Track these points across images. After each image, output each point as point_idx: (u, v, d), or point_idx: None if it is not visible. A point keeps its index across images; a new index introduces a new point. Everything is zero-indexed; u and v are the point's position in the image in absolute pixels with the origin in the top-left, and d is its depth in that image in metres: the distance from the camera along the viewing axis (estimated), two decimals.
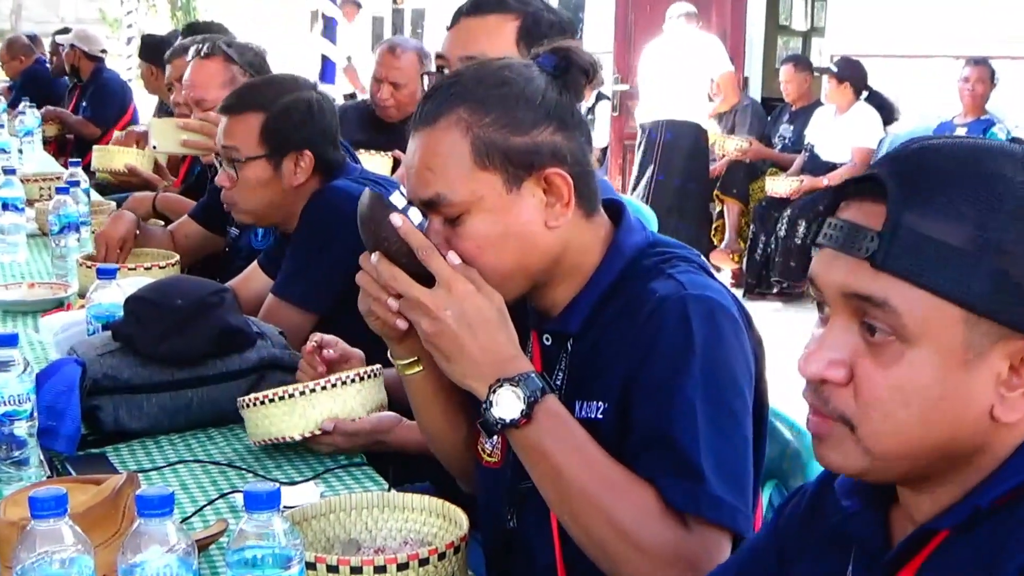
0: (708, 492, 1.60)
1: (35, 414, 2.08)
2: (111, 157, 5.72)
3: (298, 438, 2.23)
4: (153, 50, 6.45)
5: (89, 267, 3.44)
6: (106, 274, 2.66)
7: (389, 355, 1.93)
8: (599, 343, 1.76)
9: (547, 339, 1.84)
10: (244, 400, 2.28)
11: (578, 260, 1.79)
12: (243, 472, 2.22)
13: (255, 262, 3.20)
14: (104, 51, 8.67)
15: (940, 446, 1.14)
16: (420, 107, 1.77)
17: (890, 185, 1.12)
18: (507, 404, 1.64)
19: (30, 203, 4.46)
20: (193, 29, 5.62)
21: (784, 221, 8.31)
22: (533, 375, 1.66)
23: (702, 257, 1.84)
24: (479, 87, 1.75)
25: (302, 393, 2.23)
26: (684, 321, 1.66)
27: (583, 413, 1.74)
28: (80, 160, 7.94)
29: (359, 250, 2.85)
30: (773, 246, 8.38)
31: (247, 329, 2.49)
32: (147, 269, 3.44)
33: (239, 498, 2.05)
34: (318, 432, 2.23)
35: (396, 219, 1.72)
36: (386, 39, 6.31)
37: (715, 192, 9.02)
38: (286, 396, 2.23)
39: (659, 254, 1.79)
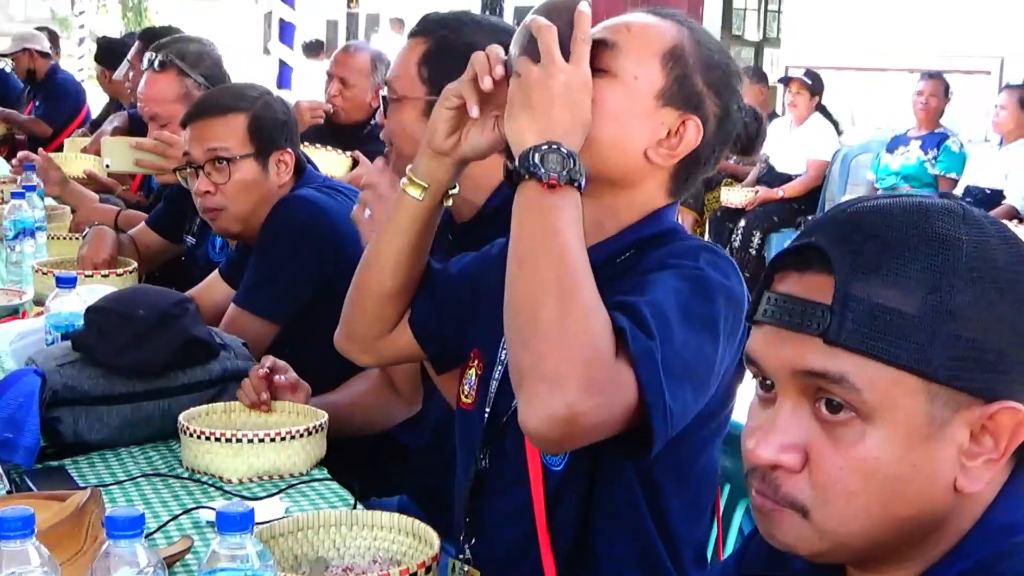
0: (654, 350, 1.52)
1: None
2: (68, 163, 5.65)
3: (235, 481, 2.20)
4: (109, 53, 6.39)
5: (46, 274, 3.39)
6: (65, 283, 2.62)
7: (408, 170, 1.87)
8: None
9: None
10: (187, 428, 2.24)
11: (634, 204, 1.79)
12: (206, 487, 2.18)
13: (216, 271, 3.16)
14: (54, 47, 8.60)
15: (903, 525, 1.08)
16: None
17: (833, 254, 1.06)
18: (549, 162, 1.58)
19: None
20: (150, 34, 5.54)
21: (739, 232, 8.34)
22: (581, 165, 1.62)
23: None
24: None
25: (250, 441, 2.20)
26: (694, 256, 1.66)
27: None
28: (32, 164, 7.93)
29: (323, 261, 2.85)
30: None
31: (210, 340, 2.46)
32: (105, 276, 3.40)
33: (203, 514, 2.02)
34: (256, 479, 2.21)
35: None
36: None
37: None
38: (233, 440, 2.20)
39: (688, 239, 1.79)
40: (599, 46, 1.71)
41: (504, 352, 1.82)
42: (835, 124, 8.59)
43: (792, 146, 8.47)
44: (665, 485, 1.75)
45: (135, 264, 3.57)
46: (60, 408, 2.31)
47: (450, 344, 1.99)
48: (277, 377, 2.36)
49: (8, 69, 8.75)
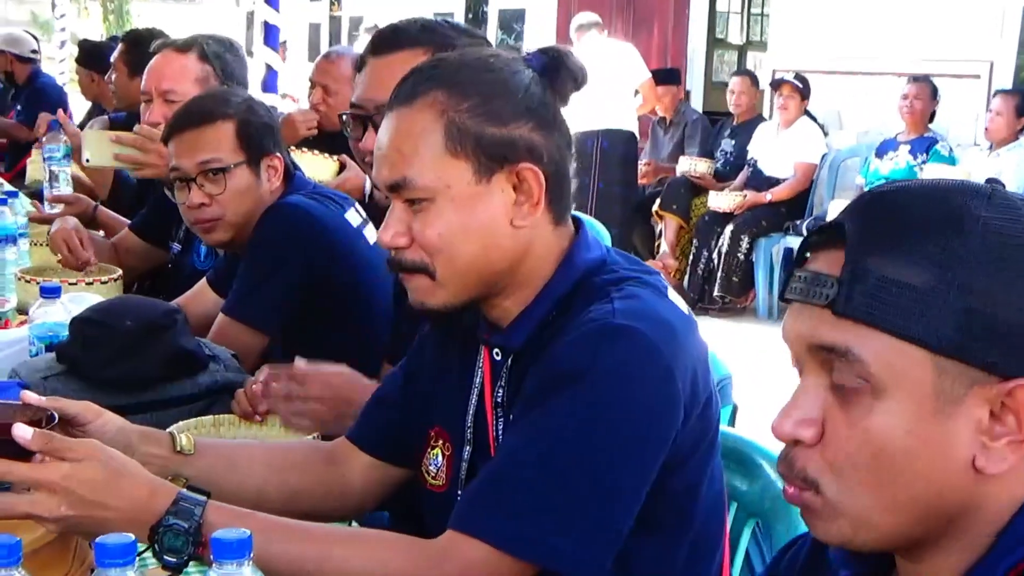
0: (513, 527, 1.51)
1: None
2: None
3: None
4: (91, 55, 6.32)
5: (28, 281, 3.32)
6: (50, 292, 2.55)
7: None
8: (535, 361, 1.66)
9: (496, 353, 1.75)
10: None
11: (534, 269, 1.70)
12: None
13: (203, 279, 3.09)
14: (36, 51, 8.51)
15: (920, 504, 1.06)
16: (398, 87, 1.71)
17: (849, 229, 1.08)
18: (173, 546, 1.50)
19: None
20: (134, 36, 5.46)
21: (727, 236, 8.30)
22: (180, 499, 1.53)
23: (659, 277, 1.75)
24: (461, 71, 1.68)
25: None
26: (592, 347, 1.57)
27: None
28: (13, 166, 7.86)
29: (314, 269, 2.79)
30: (715, 261, 8.37)
31: (199, 352, 2.40)
32: (89, 284, 3.33)
33: None
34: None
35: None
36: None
37: (655, 209, 9.00)
38: None
39: (612, 272, 1.70)
40: (393, 189, 1.66)
41: (471, 431, 1.77)
42: (821, 127, 8.57)
43: (779, 149, 8.44)
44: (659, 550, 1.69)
45: (119, 272, 3.49)
46: None
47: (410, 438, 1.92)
48: (273, 385, 2.29)
49: None
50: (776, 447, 1.95)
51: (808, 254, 1.14)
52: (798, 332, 1.11)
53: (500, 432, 1.71)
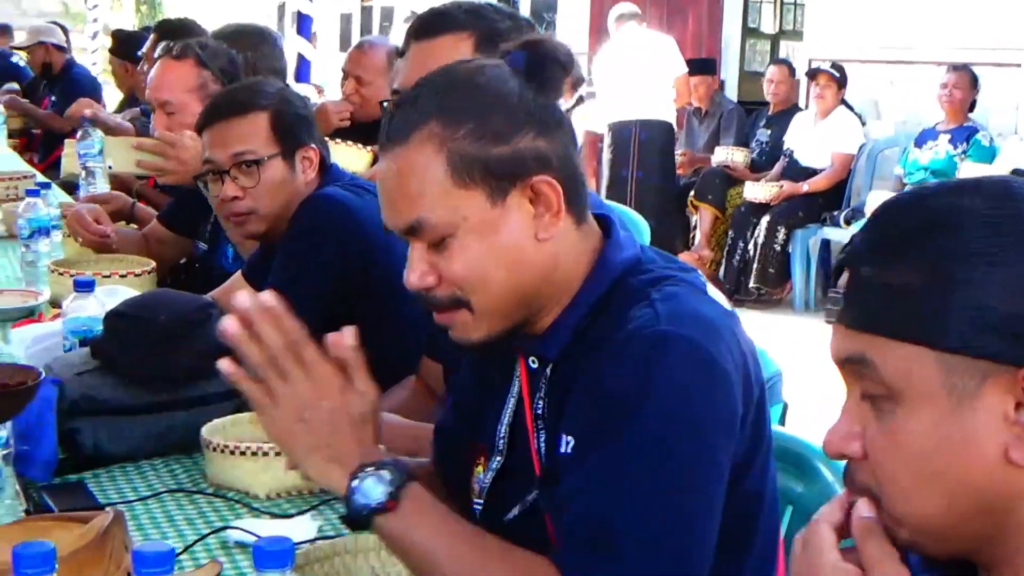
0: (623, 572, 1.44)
1: (10, 440, 1.93)
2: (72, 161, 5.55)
3: (263, 497, 2.09)
4: (124, 46, 6.29)
5: (62, 274, 3.29)
6: (83, 286, 2.51)
7: None
8: (577, 371, 1.58)
9: (533, 362, 1.68)
10: (210, 442, 2.13)
11: (567, 277, 1.62)
12: (233, 503, 2.07)
13: (239, 272, 3.04)
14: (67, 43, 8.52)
15: (965, 505, 1.07)
16: (387, 124, 1.61)
17: (855, 242, 1.12)
18: (371, 489, 1.51)
19: None
20: (166, 26, 5.43)
21: (763, 227, 8.22)
22: (397, 461, 1.55)
23: (697, 274, 1.67)
24: (449, 96, 1.59)
25: (277, 454, 2.06)
26: (644, 364, 1.48)
27: (562, 448, 1.57)
28: (47, 156, 7.86)
29: (351, 262, 2.73)
30: (751, 252, 8.29)
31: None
32: (123, 277, 3.29)
33: (232, 533, 1.91)
34: (285, 494, 2.09)
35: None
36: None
37: (690, 199, 8.93)
38: (259, 454, 2.09)
39: (648, 271, 1.62)
40: (409, 233, 1.58)
41: (504, 441, 1.71)
42: (858, 117, 8.47)
43: (816, 139, 8.34)
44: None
45: (153, 264, 3.46)
46: (79, 419, 2.21)
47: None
48: None
49: (22, 63, 8.65)
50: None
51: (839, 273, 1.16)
52: (832, 350, 1.14)
53: (542, 446, 1.64)
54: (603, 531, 1.46)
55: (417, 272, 1.60)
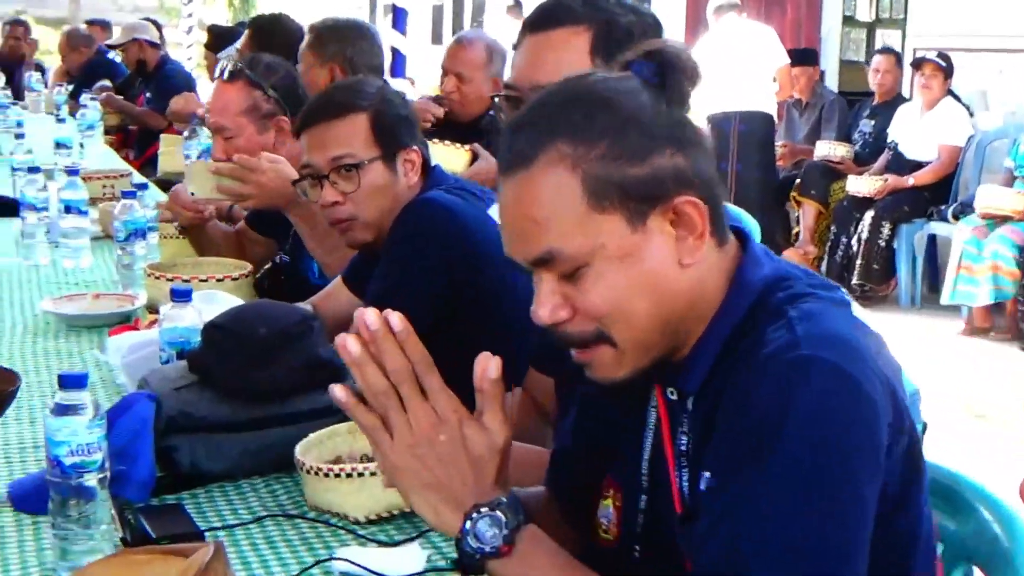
0: None
1: (106, 464, 1.84)
2: (168, 159, 5.54)
3: (363, 520, 1.98)
4: (220, 41, 6.26)
5: (157, 278, 3.22)
6: (181, 296, 2.42)
7: None
8: (717, 404, 1.45)
9: (671, 393, 1.54)
10: (304, 464, 2.02)
11: (707, 301, 1.49)
12: (336, 529, 1.96)
13: (339, 278, 2.94)
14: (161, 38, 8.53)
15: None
16: (507, 145, 1.48)
17: None
18: (485, 532, 1.41)
19: (92, 202, 4.24)
20: (259, 22, 5.37)
21: (867, 222, 8.00)
22: (512, 500, 1.44)
23: (840, 292, 1.52)
24: (576, 111, 1.44)
25: (372, 474, 1.95)
26: (784, 391, 1.35)
27: (702, 486, 1.44)
28: (143, 153, 7.87)
29: (456, 269, 2.62)
30: (855, 248, 8.07)
31: (336, 361, 2.23)
32: (219, 281, 3.21)
33: (338, 564, 1.80)
34: (385, 515, 1.98)
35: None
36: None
37: (792, 194, 8.72)
38: (355, 474, 1.97)
39: (787, 288, 1.48)
40: (539, 264, 1.45)
41: (646, 478, 1.57)
42: (966, 108, 8.21)
43: (922, 131, 8.10)
44: None
45: (249, 267, 3.38)
46: (176, 436, 2.11)
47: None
48: None
49: (119, 59, 8.67)
50: (987, 482, 1.75)
51: None
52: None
53: (685, 485, 1.50)
54: (740, 567, 1.33)
55: (548, 306, 1.47)
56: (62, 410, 1.80)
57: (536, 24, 2.09)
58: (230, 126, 3.42)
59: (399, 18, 6.13)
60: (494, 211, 2.68)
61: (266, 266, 3.72)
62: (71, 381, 1.79)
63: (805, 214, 8.64)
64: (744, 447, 1.36)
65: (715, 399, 1.45)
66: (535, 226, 1.43)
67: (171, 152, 5.90)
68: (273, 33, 5.07)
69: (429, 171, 2.75)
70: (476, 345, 2.62)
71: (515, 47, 2.13)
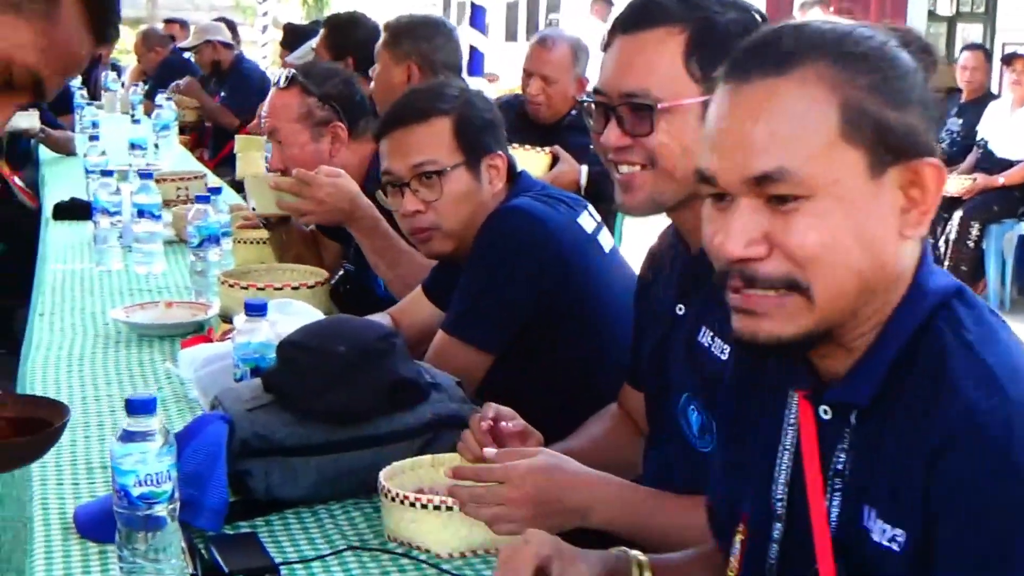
0: None
1: (175, 494, 1.72)
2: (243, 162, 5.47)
3: (446, 557, 1.85)
4: (296, 39, 6.17)
5: (231, 286, 3.11)
6: (255, 311, 2.30)
7: None
8: (892, 426, 1.30)
9: (825, 412, 1.37)
10: (389, 492, 1.89)
11: (887, 297, 1.33)
12: (420, 564, 1.83)
13: (419, 289, 2.82)
14: (234, 36, 8.48)
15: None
16: (754, 48, 1.35)
17: None
18: None
19: (166, 204, 4.16)
20: (335, 21, 5.26)
21: (955, 222, 7.77)
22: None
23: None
24: (844, 40, 1.32)
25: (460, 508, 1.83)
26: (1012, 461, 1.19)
27: (869, 524, 1.29)
28: (217, 153, 7.82)
29: (544, 281, 2.48)
30: (943, 249, 7.85)
31: (420, 380, 2.12)
32: (295, 289, 3.10)
33: None
34: (468, 553, 1.85)
35: None
36: (539, 31, 5.94)
37: None
38: (443, 507, 1.84)
39: (967, 305, 1.32)
40: (758, 182, 1.28)
41: (783, 504, 1.41)
42: None
43: (1013, 129, 7.86)
44: None
45: (325, 274, 3.26)
46: (250, 460, 2.00)
47: None
48: (503, 424, 1.99)
49: (195, 60, 8.63)
50: None
51: None
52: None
53: (834, 510, 1.34)
54: None
55: (743, 237, 1.29)
56: (129, 437, 1.69)
57: (626, 24, 1.92)
58: (283, 131, 3.32)
59: (477, 16, 6.00)
60: (584, 219, 2.55)
61: (339, 272, 3.62)
62: (139, 406, 1.68)
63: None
64: (982, 539, 1.20)
65: (886, 415, 1.31)
66: (771, 139, 1.28)
67: (249, 155, 5.84)
68: (348, 32, 4.97)
69: (515, 177, 2.61)
70: (562, 359, 2.51)
71: (604, 48, 1.97)
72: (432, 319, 2.73)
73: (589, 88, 2.08)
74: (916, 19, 10.36)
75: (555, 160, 4.41)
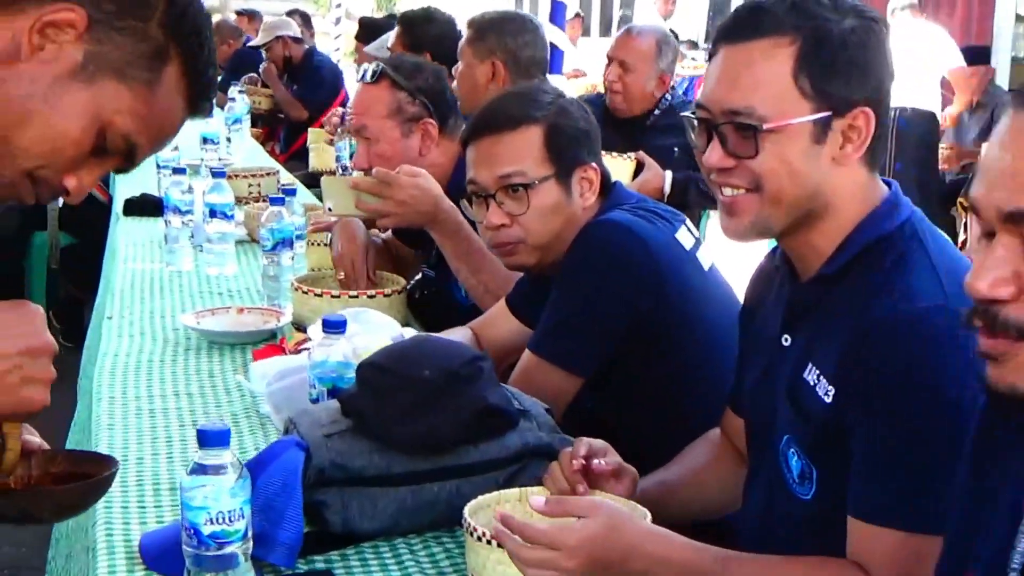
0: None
1: (248, 532, 1.60)
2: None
3: None
4: (372, 33, 6.06)
5: (305, 293, 2.99)
6: (333, 327, 2.16)
7: None
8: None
9: None
10: (473, 528, 1.73)
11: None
12: None
13: (502, 302, 2.68)
14: (307, 29, 8.40)
15: None
16: None
17: None
18: None
19: (238, 201, 4.04)
20: (409, 17, 5.11)
21: None
22: None
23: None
24: None
25: None
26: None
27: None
28: (289, 146, 7.74)
29: (642, 301, 2.33)
30: None
31: (508, 407, 1.97)
32: (371, 298, 2.97)
33: None
34: None
35: None
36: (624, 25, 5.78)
37: (959, 199, 8.25)
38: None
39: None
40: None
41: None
42: None
43: None
44: None
45: (403, 283, 3.13)
46: (326, 490, 1.87)
47: None
48: (596, 462, 1.84)
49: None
50: None
51: None
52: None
53: None
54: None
55: (990, 275, 1.16)
56: (200, 470, 1.57)
57: (731, 33, 1.74)
58: (372, 127, 3.18)
59: (557, 12, 5.84)
60: (683, 235, 2.40)
61: (416, 277, 3.49)
62: (212, 438, 1.56)
63: (973, 221, 8.17)
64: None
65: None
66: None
67: (322, 147, 5.75)
68: (423, 28, 4.82)
69: (609, 189, 2.46)
70: (657, 382, 2.35)
71: (709, 58, 1.81)
72: (515, 335, 2.59)
73: (692, 97, 1.93)
74: (1004, 21, 10.09)
75: (639, 166, 4.25)
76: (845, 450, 1.63)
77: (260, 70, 8.08)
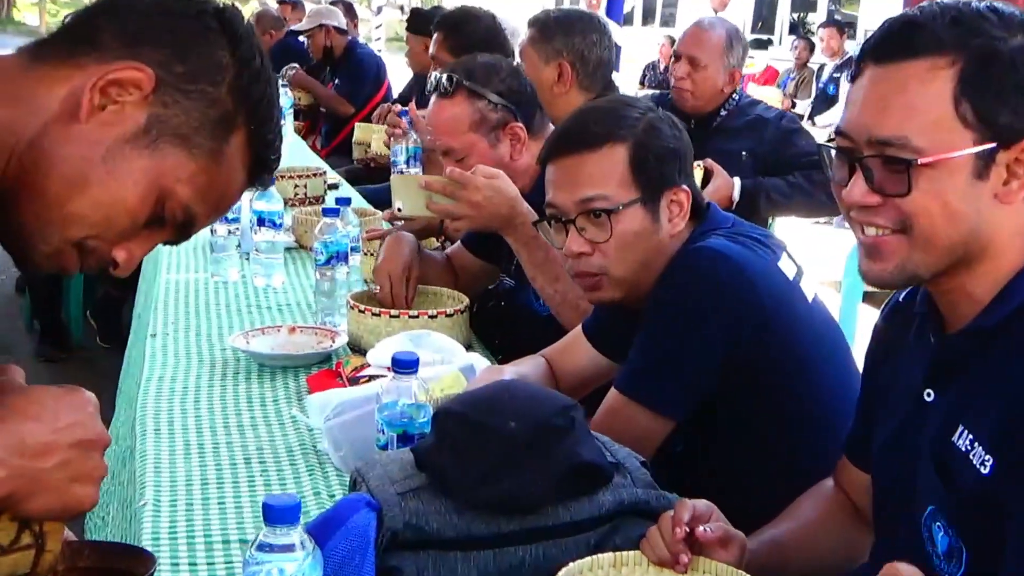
0: None
1: None
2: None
3: None
4: (423, 22, 5.84)
5: (362, 311, 2.79)
6: (404, 367, 1.95)
7: None
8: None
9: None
10: None
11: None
12: None
13: (578, 329, 2.47)
14: (351, 18, 8.21)
15: None
16: None
17: None
18: None
19: (284, 203, 3.84)
20: (447, 22, 4.81)
21: None
22: None
23: None
24: None
25: None
26: None
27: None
28: (331, 141, 7.55)
29: (741, 335, 2.08)
30: None
31: (601, 462, 1.77)
32: (432, 318, 2.77)
33: None
34: None
35: None
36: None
37: None
38: None
39: None
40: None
41: None
42: None
43: None
44: None
45: (466, 302, 2.92)
46: (401, 554, 1.67)
47: None
48: (700, 529, 1.64)
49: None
50: None
51: None
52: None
53: None
54: None
55: None
56: (267, 548, 1.37)
57: (880, 52, 1.51)
58: (459, 147, 2.97)
59: (615, 6, 5.62)
60: (785, 263, 2.19)
61: (490, 286, 3.30)
62: (279, 515, 1.36)
63: None
64: None
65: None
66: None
67: (369, 140, 5.62)
68: (465, 29, 4.56)
69: (702, 212, 2.24)
70: (759, 425, 2.13)
71: (852, 79, 1.59)
72: (591, 365, 2.40)
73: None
74: None
75: (708, 175, 4.02)
76: (1002, 530, 1.42)
77: (290, 77, 7.80)
